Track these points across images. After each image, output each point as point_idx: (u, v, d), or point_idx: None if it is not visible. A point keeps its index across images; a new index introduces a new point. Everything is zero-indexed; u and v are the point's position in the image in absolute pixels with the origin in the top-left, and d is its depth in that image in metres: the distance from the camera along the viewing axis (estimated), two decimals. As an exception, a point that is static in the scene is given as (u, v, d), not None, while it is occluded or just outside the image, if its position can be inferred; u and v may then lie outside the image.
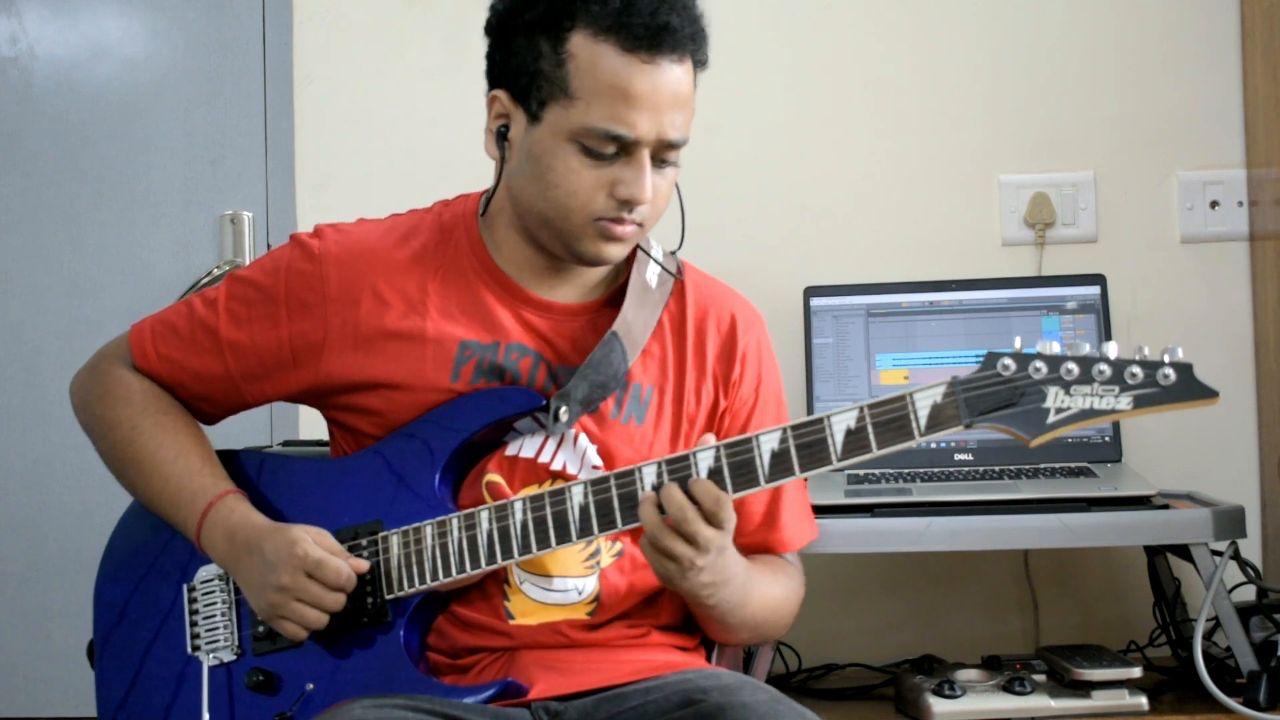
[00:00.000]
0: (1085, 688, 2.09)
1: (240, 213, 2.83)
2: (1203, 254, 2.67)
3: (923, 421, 1.48)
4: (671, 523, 1.54)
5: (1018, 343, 1.47)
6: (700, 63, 1.67)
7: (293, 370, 1.76)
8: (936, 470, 2.37)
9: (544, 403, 1.69)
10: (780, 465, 1.54)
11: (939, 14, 2.74)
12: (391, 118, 2.81)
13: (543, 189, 1.65)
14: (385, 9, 2.82)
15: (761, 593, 1.73)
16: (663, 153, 1.64)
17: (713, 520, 1.54)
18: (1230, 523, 2.13)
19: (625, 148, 1.61)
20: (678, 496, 1.54)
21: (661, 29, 1.59)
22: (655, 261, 1.80)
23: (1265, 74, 2.57)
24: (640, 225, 1.67)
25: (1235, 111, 2.66)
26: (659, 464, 1.57)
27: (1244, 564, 2.23)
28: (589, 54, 1.60)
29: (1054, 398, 1.44)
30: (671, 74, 1.61)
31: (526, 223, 1.71)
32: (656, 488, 1.56)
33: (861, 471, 2.35)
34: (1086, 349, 1.44)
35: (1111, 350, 1.43)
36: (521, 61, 1.64)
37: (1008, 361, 1.46)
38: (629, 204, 1.63)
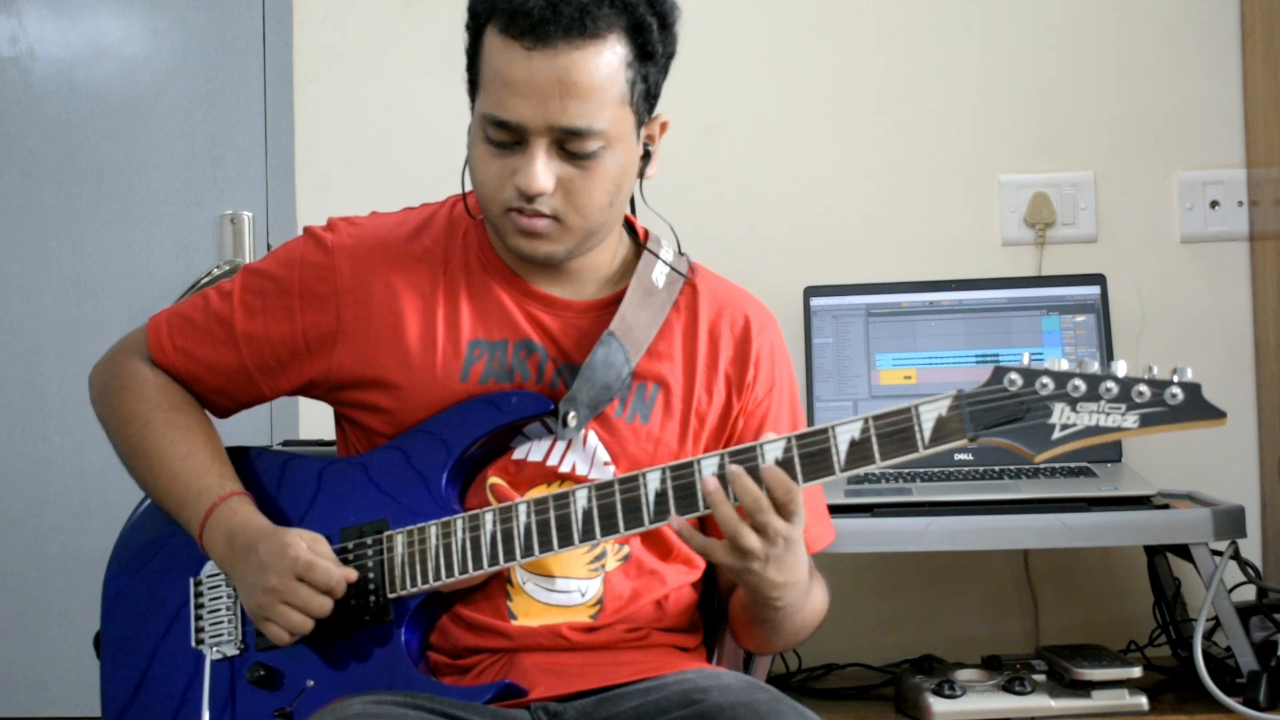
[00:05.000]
0: (1085, 688, 2.10)
1: (240, 213, 2.83)
2: (1203, 254, 2.68)
3: (927, 434, 1.48)
4: (744, 514, 1.51)
5: (1025, 358, 1.46)
6: (639, 47, 1.62)
7: (307, 361, 1.76)
8: (936, 470, 2.37)
9: (552, 407, 1.69)
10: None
11: (939, 14, 2.74)
12: (391, 118, 2.80)
13: (472, 180, 1.68)
14: (385, 9, 2.81)
15: (813, 598, 1.72)
16: (567, 142, 1.61)
17: (783, 511, 1.52)
18: (1230, 523, 2.14)
19: (518, 136, 1.60)
20: (751, 486, 1.51)
21: (529, 13, 1.57)
22: (663, 262, 1.79)
23: (1265, 74, 2.57)
24: (557, 220, 1.64)
25: (1235, 111, 2.66)
26: (664, 470, 1.57)
27: (1244, 564, 2.24)
28: (488, 44, 1.62)
29: (1059, 414, 1.44)
30: (556, 61, 1.57)
31: None
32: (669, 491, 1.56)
33: (861, 471, 2.35)
34: (1094, 366, 1.43)
35: (1120, 368, 1.43)
36: (469, 58, 1.67)
37: (1014, 376, 1.45)
38: (525, 194, 1.62)
